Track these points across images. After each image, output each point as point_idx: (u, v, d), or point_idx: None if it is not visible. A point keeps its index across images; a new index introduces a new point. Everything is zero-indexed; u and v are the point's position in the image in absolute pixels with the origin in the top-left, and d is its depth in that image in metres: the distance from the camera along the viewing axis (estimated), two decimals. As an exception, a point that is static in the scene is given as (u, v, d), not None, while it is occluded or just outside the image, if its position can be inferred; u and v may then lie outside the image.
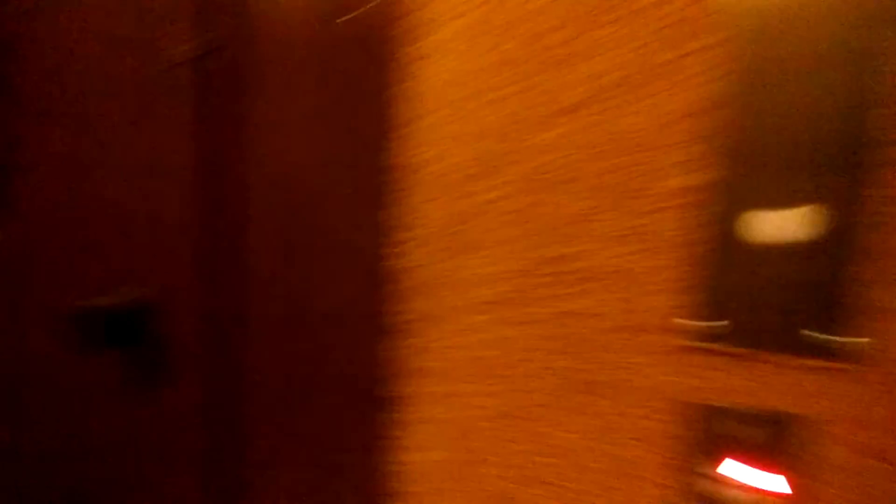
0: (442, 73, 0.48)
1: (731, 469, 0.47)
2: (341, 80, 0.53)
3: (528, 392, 0.51)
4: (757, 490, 0.46)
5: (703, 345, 0.46)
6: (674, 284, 0.45)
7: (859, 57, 0.39)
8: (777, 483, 0.46)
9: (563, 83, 0.45)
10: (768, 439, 0.46)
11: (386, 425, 0.56)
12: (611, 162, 0.45)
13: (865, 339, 0.42)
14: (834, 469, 0.44)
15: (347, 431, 0.58)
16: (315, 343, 0.57)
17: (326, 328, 0.57)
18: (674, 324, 0.46)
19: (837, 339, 0.43)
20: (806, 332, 0.44)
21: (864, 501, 0.44)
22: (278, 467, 0.61)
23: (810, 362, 0.44)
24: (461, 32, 0.47)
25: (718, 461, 0.48)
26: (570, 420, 0.50)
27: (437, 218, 0.51)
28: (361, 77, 0.51)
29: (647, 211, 0.45)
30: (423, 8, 0.48)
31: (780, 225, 0.43)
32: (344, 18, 0.50)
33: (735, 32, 0.41)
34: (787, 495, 0.45)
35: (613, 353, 0.48)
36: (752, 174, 0.43)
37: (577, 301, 0.48)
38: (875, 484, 0.44)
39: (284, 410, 0.59)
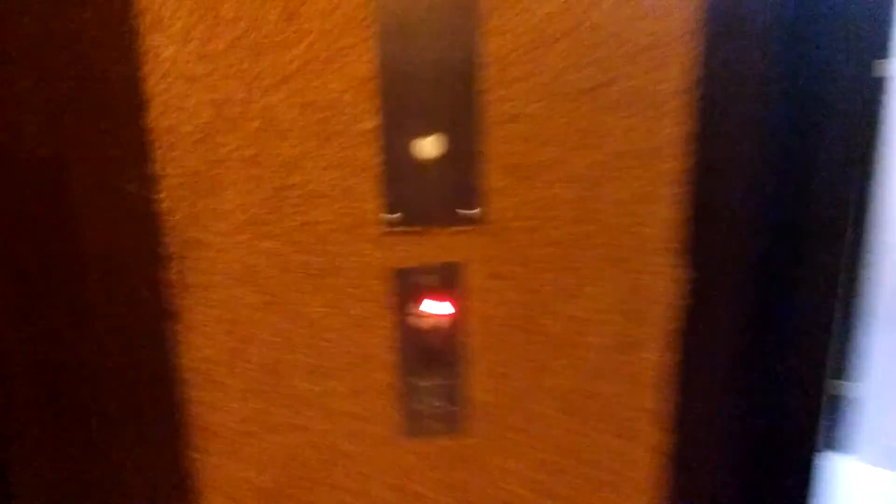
0: (187, 53, 0.64)
1: (425, 307, 0.74)
2: (85, 59, 0.66)
3: (282, 284, 0.72)
4: (437, 316, 0.73)
5: (399, 229, 0.70)
6: (374, 192, 0.69)
7: (464, 23, 0.64)
8: (447, 307, 0.73)
9: (280, 61, 0.64)
10: (443, 281, 0.73)
11: (172, 331, 0.73)
12: (319, 115, 0.66)
13: (485, 209, 0.70)
14: (475, 291, 0.73)
15: (139, 345, 0.74)
16: (95, 282, 0.71)
17: (105, 268, 0.71)
18: (378, 218, 0.70)
19: (473, 211, 0.70)
20: (458, 210, 0.70)
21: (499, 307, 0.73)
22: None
23: (461, 228, 0.71)
24: (197, 23, 0.64)
25: (417, 303, 0.74)
26: (315, 298, 0.72)
27: (192, 166, 0.68)
28: (110, 58, 0.65)
29: (348, 146, 0.67)
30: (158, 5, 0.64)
31: (429, 144, 0.68)
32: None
33: (385, 21, 0.64)
34: (452, 313, 0.73)
35: (340, 245, 0.70)
36: (408, 113, 0.67)
37: (311, 214, 0.69)
38: (499, 295, 0.73)
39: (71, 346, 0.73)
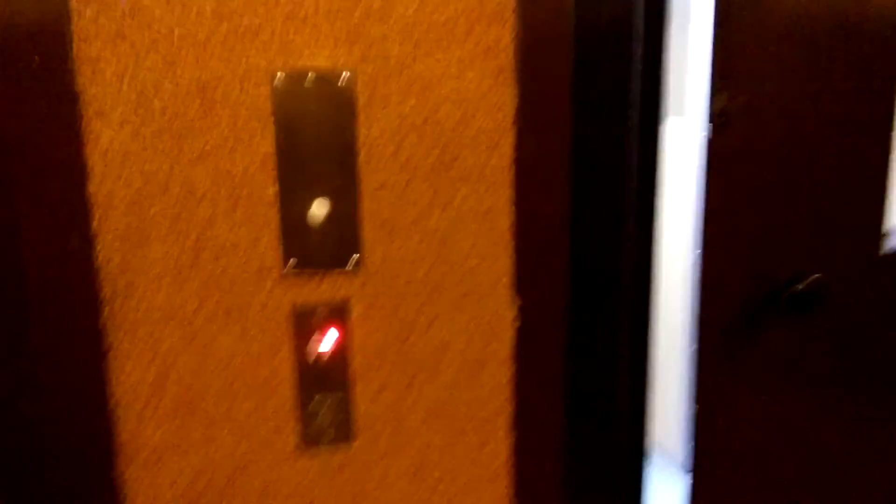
0: (123, 136, 0.81)
1: (318, 335, 0.91)
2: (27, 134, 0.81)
3: (198, 320, 0.87)
4: (328, 343, 0.91)
5: (296, 273, 0.88)
6: (276, 244, 0.86)
7: (344, 115, 0.84)
8: (336, 336, 0.91)
9: (199, 142, 0.82)
10: (332, 314, 0.91)
11: (105, 363, 0.87)
12: (230, 184, 0.84)
13: (364, 256, 0.89)
14: (357, 322, 0.91)
15: (77, 375, 0.87)
16: (40, 321, 0.85)
17: (49, 310, 0.85)
18: (279, 265, 0.87)
19: (354, 258, 0.89)
20: (342, 257, 0.89)
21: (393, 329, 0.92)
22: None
23: (345, 271, 0.89)
24: (131, 113, 0.81)
25: (311, 333, 0.91)
26: (226, 331, 0.88)
27: (124, 225, 0.83)
28: (60, 139, 0.81)
29: (253, 208, 0.85)
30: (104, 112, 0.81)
31: (318, 205, 0.87)
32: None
33: (282, 112, 0.83)
34: (340, 341, 0.91)
35: (247, 287, 0.87)
36: (302, 182, 0.86)
37: (223, 262, 0.85)
38: (376, 324, 0.92)
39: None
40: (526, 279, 0.92)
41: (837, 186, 1.16)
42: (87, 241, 0.83)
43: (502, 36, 0.86)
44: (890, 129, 1.18)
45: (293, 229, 0.86)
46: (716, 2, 1.01)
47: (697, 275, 1.04)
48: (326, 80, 0.83)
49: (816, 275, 1.09)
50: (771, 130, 1.07)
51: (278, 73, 0.82)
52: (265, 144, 0.83)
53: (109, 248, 0.83)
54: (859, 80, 1.14)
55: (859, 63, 1.13)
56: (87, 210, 0.82)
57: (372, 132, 0.86)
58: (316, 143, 0.85)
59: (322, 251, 0.88)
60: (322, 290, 0.89)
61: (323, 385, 0.92)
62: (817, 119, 1.11)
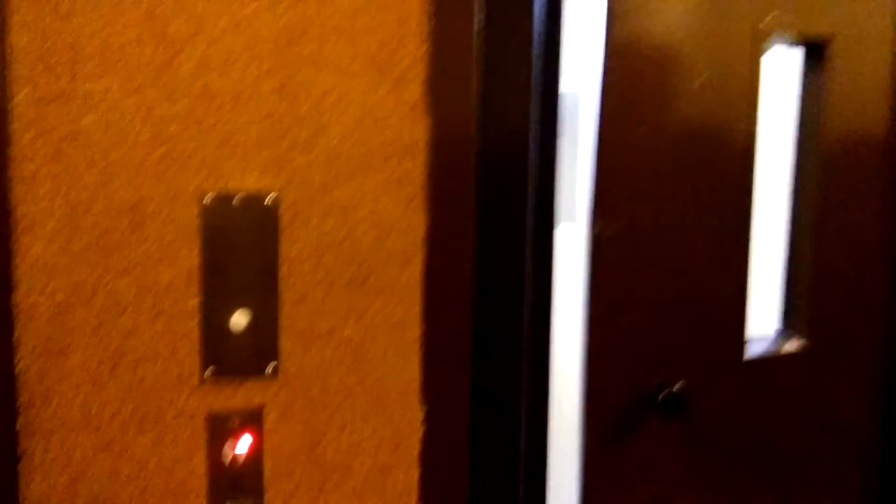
0: (52, 250, 0.85)
1: (235, 444, 0.95)
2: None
3: (113, 428, 0.89)
4: (244, 450, 0.95)
5: (213, 380, 0.92)
6: (194, 353, 0.91)
7: (266, 234, 0.91)
8: (249, 442, 0.95)
9: (125, 258, 0.87)
10: (246, 420, 0.95)
11: (17, 471, 0.87)
12: (153, 296, 0.89)
13: (280, 365, 0.95)
14: (271, 428, 0.96)
15: None
16: None
17: None
18: (197, 373, 0.92)
19: (271, 367, 0.94)
20: (259, 366, 0.94)
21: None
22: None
23: (261, 379, 0.94)
24: (62, 229, 0.85)
25: (231, 441, 0.94)
26: (140, 439, 0.90)
27: (46, 334, 0.85)
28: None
29: (174, 319, 0.90)
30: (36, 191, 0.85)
31: (238, 316, 0.92)
32: None
33: (208, 230, 0.90)
34: (254, 446, 0.95)
35: (164, 394, 0.90)
36: (223, 294, 0.91)
37: (141, 370, 0.89)
38: (289, 430, 0.96)
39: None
40: (433, 386, 1.00)
41: (704, 300, 1.31)
42: (7, 350, 0.85)
43: (414, 167, 0.97)
44: (748, 250, 1.36)
45: (213, 339, 0.91)
46: (595, 145, 1.17)
47: (584, 377, 1.14)
48: (253, 201, 0.91)
49: (685, 380, 1.22)
50: (644, 251, 1.22)
51: (207, 195, 0.89)
52: (191, 259, 0.89)
53: (29, 357, 0.85)
54: (720, 205, 1.31)
55: (720, 190, 1.30)
56: (9, 320, 0.84)
57: (293, 249, 0.93)
58: (240, 258, 0.91)
59: (240, 359, 0.93)
60: (238, 397, 0.93)
61: (236, 491, 0.95)
62: (684, 240, 1.27)
